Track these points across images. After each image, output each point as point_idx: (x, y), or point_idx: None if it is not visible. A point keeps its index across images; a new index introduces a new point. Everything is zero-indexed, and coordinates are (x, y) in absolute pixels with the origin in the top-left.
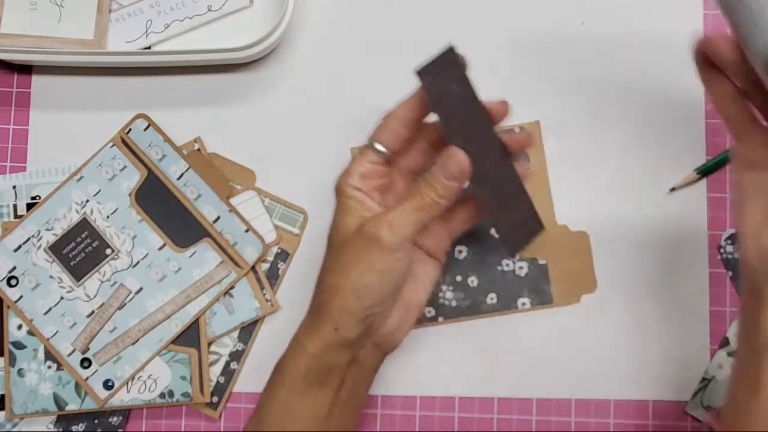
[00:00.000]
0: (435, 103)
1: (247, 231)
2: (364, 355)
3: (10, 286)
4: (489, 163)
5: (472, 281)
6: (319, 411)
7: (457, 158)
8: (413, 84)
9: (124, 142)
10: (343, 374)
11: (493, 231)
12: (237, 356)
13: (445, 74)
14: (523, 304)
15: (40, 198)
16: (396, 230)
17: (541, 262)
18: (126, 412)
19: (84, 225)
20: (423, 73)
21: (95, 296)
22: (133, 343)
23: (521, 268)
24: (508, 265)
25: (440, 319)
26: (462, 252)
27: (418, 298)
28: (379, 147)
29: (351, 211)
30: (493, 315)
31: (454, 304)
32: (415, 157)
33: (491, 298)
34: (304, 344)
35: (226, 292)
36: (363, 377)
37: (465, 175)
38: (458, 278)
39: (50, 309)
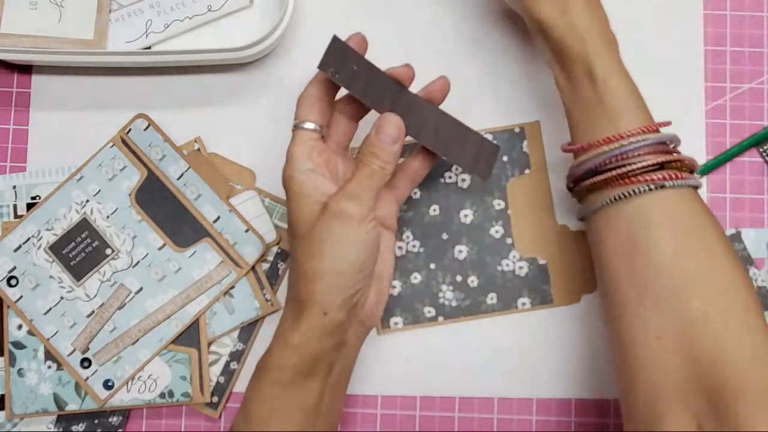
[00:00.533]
0: (347, 85)
1: (247, 231)
2: (350, 336)
3: (10, 286)
4: (419, 116)
5: (472, 281)
6: (308, 400)
7: (392, 120)
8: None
9: (124, 142)
10: (331, 359)
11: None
12: (237, 356)
13: (342, 60)
14: (524, 304)
15: (40, 198)
16: (360, 200)
17: (541, 262)
18: (126, 412)
19: (84, 225)
20: (323, 65)
21: (95, 296)
22: (133, 343)
23: (521, 268)
24: (508, 264)
25: (440, 319)
26: (462, 252)
27: (387, 268)
28: (309, 125)
29: (306, 197)
30: (493, 315)
31: (454, 304)
32: (343, 132)
33: (491, 298)
34: (287, 338)
35: (226, 292)
36: (349, 357)
37: (402, 135)
38: (458, 278)
39: (50, 309)
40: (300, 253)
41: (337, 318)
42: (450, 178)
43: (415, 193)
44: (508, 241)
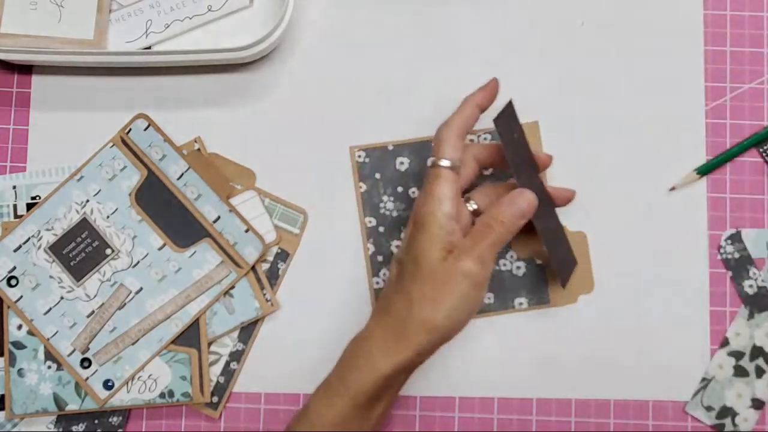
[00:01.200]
0: (506, 148)
1: (247, 231)
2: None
3: (10, 286)
4: (542, 204)
5: None
6: (370, 421)
7: (528, 198)
8: (413, 83)
9: (124, 142)
10: (399, 389)
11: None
12: (237, 356)
13: (508, 124)
14: (521, 304)
15: (40, 198)
16: (485, 265)
17: (539, 262)
18: (126, 412)
19: (84, 225)
20: (498, 122)
21: (95, 296)
22: (133, 343)
23: (519, 268)
24: (505, 265)
25: None
26: None
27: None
28: (452, 163)
29: (440, 242)
30: (491, 315)
31: None
32: (468, 176)
33: (488, 298)
34: (379, 365)
35: (226, 292)
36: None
37: (532, 212)
38: None
39: (50, 309)
40: (416, 291)
41: (423, 361)
42: None
43: (413, 192)
44: None
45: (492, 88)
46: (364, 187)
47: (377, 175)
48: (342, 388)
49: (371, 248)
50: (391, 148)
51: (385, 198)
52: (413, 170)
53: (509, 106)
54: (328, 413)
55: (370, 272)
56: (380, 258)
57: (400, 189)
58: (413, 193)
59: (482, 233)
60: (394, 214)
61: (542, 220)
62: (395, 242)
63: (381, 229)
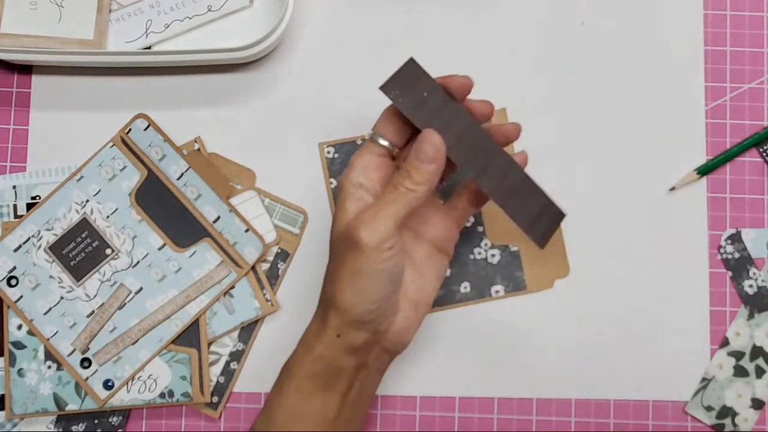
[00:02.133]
0: (409, 112)
1: (247, 231)
2: (372, 359)
3: (10, 286)
4: (485, 155)
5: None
6: (327, 413)
7: (432, 139)
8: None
9: (124, 142)
10: (351, 378)
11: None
12: (237, 356)
13: (413, 84)
14: (497, 291)
15: (40, 198)
16: (374, 229)
17: (513, 249)
18: (126, 412)
19: (84, 225)
20: (387, 87)
21: (95, 296)
22: (133, 343)
23: (494, 255)
24: (480, 253)
25: None
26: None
27: (426, 295)
28: (382, 141)
29: (345, 210)
30: (468, 304)
31: None
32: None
33: (465, 287)
34: (312, 345)
35: (226, 292)
36: (371, 381)
37: (439, 156)
38: None
39: (50, 309)
40: (327, 266)
41: (352, 342)
42: None
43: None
44: (479, 229)
45: (456, 80)
46: (335, 183)
47: None
48: (287, 374)
49: None
50: (359, 142)
51: None
52: None
53: (407, 64)
54: (279, 401)
55: None
56: None
57: None
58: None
59: (383, 193)
60: None
61: (489, 177)
62: None
63: None
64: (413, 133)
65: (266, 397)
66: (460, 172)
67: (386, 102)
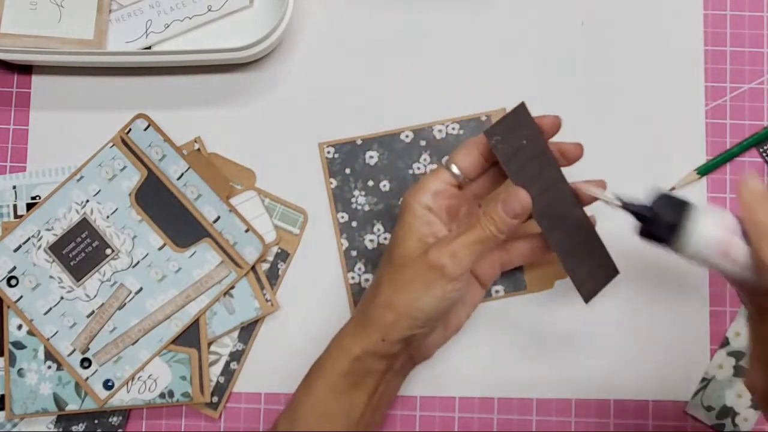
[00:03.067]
0: (504, 160)
1: (247, 231)
2: (398, 365)
3: (10, 286)
4: (560, 211)
5: None
6: (353, 412)
7: (519, 196)
8: (414, 83)
9: (124, 142)
10: (378, 379)
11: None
12: (237, 356)
13: (514, 131)
14: (497, 291)
15: (40, 198)
16: (458, 261)
17: None
18: (126, 412)
19: (84, 225)
20: (490, 133)
21: (95, 296)
22: (133, 343)
23: None
24: None
25: None
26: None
27: (460, 320)
28: (455, 170)
29: (415, 232)
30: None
31: None
32: (484, 184)
33: None
34: (348, 347)
35: (226, 292)
36: (394, 385)
37: (525, 214)
38: None
39: (50, 309)
40: (386, 278)
41: (391, 348)
42: (419, 169)
43: (384, 185)
44: None
45: (548, 122)
46: (334, 183)
47: (347, 170)
48: (318, 372)
49: (345, 243)
50: (359, 142)
51: (356, 193)
52: (382, 163)
53: (517, 110)
54: (307, 399)
55: (345, 268)
56: (354, 253)
57: (370, 183)
58: (384, 186)
59: (469, 228)
60: (366, 208)
61: (558, 233)
62: (368, 236)
63: (353, 224)
64: (489, 167)
65: (291, 397)
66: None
67: (386, 103)
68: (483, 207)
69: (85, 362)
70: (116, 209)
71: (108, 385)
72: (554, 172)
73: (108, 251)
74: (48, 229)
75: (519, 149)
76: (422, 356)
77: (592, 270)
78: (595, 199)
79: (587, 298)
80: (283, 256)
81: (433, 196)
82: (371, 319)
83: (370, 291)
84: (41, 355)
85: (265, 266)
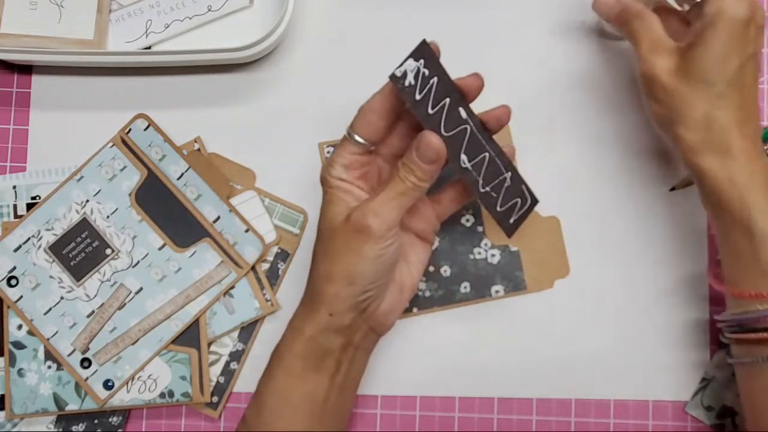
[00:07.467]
0: (412, 105)
1: (247, 231)
2: (358, 339)
3: (10, 286)
4: (473, 150)
5: (445, 271)
6: (316, 394)
7: (431, 141)
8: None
9: (124, 142)
10: (338, 358)
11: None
12: (237, 356)
13: (420, 70)
14: (497, 291)
15: (40, 198)
16: (382, 217)
17: (513, 249)
18: (126, 412)
19: (84, 225)
20: (396, 78)
21: (95, 296)
22: (133, 343)
23: (493, 255)
24: (480, 253)
25: (414, 310)
26: (434, 242)
27: (411, 280)
28: (358, 138)
29: (337, 201)
30: (468, 304)
31: (427, 294)
32: (397, 143)
33: (465, 287)
34: (300, 328)
35: (226, 292)
36: (358, 361)
37: (441, 159)
38: (431, 268)
39: (50, 309)
40: (319, 253)
41: (342, 321)
42: None
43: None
44: (479, 229)
45: (470, 82)
46: None
47: None
48: (276, 358)
49: None
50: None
51: None
52: None
53: (422, 46)
54: (268, 387)
55: None
56: None
57: None
58: None
59: (388, 184)
60: None
61: (475, 170)
62: None
63: None
64: (389, 126)
65: (256, 386)
66: (448, 167)
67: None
68: (401, 159)
69: (85, 362)
70: (116, 209)
71: (108, 385)
72: (464, 109)
73: (108, 251)
74: (48, 229)
75: (426, 91)
76: (382, 325)
77: (512, 203)
78: (503, 124)
79: (509, 233)
80: (283, 256)
81: (344, 168)
82: (314, 296)
83: (310, 269)
84: (41, 355)
85: (265, 266)
